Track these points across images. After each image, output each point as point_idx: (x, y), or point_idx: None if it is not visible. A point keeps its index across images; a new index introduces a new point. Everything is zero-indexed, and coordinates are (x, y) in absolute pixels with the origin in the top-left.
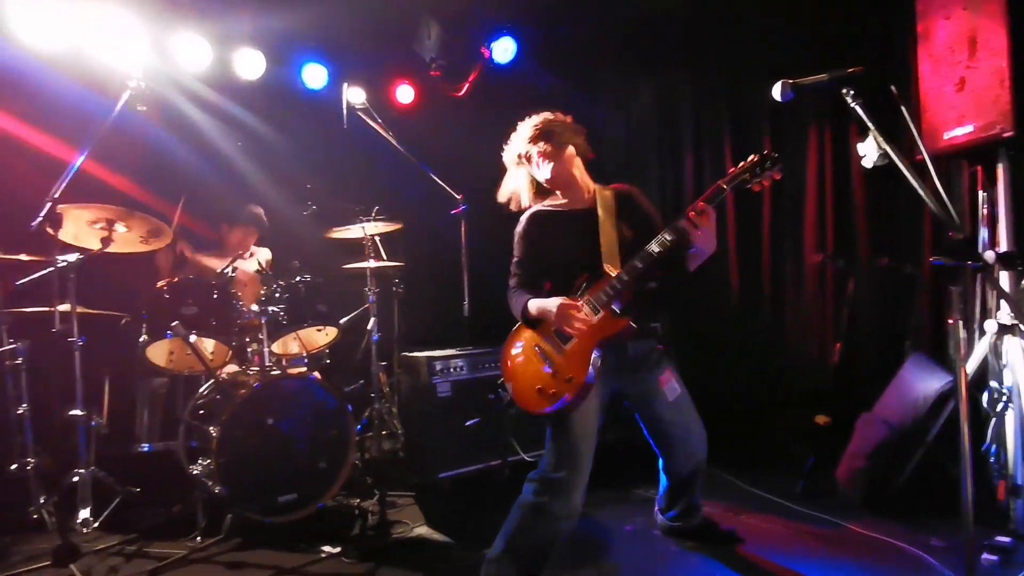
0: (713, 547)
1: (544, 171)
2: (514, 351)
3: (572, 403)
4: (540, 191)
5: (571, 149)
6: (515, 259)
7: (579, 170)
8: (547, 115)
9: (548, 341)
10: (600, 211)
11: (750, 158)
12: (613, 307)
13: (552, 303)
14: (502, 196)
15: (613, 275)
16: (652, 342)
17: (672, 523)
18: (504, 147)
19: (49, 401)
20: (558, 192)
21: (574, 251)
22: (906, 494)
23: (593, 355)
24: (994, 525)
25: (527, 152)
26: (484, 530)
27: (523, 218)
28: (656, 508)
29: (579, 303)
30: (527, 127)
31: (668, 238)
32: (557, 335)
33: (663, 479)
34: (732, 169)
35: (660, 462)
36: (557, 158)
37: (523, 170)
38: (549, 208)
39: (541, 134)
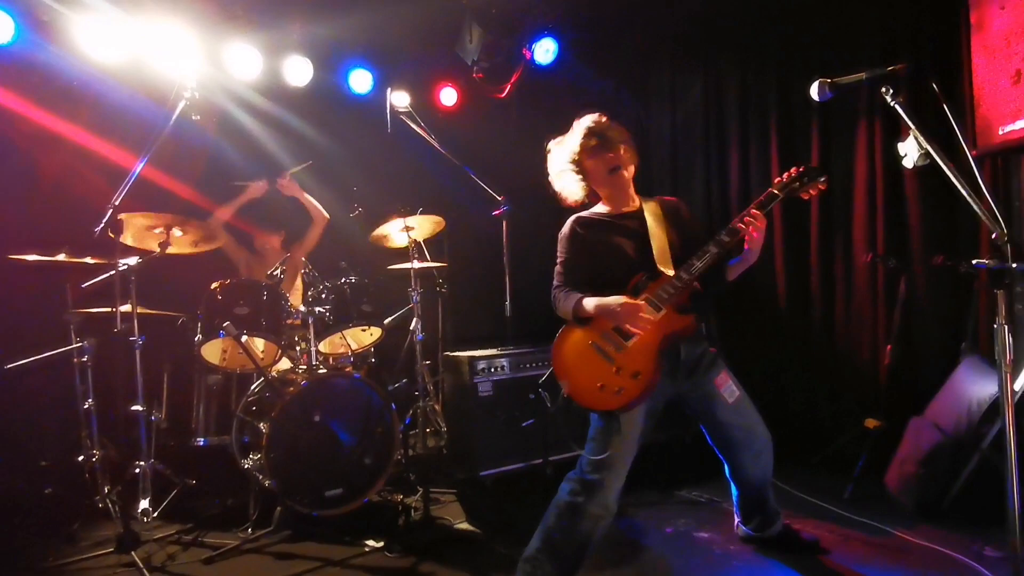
0: (794, 557)
1: (598, 174)
2: (567, 349)
3: (640, 399)
4: (590, 194)
5: (623, 154)
6: (560, 259)
7: (628, 176)
8: (599, 118)
9: (606, 339)
10: (648, 216)
11: (794, 169)
12: (675, 304)
13: (613, 301)
14: (568, 198)
15: (671, 273)
16: (704, 344)
17: (754, 533)
18: (552, 146)
19: (113, 397)
20: (604, 198)
21: (626, 251)
22: (960, 502)
23: (656, 351)
24: None
25: (579, 154)
26: (525, 527)
27: (570, 221)
28: (736, 520)
29: (640, 301)
30: (581, 129)
31: (725, 239)
32: (616, 332)
33: (733, 489)
34: (778, 178)
35: (727, 470)
36: (611, 161)
37: (573, 171)
38: (596, 214)
39: (594, 136)
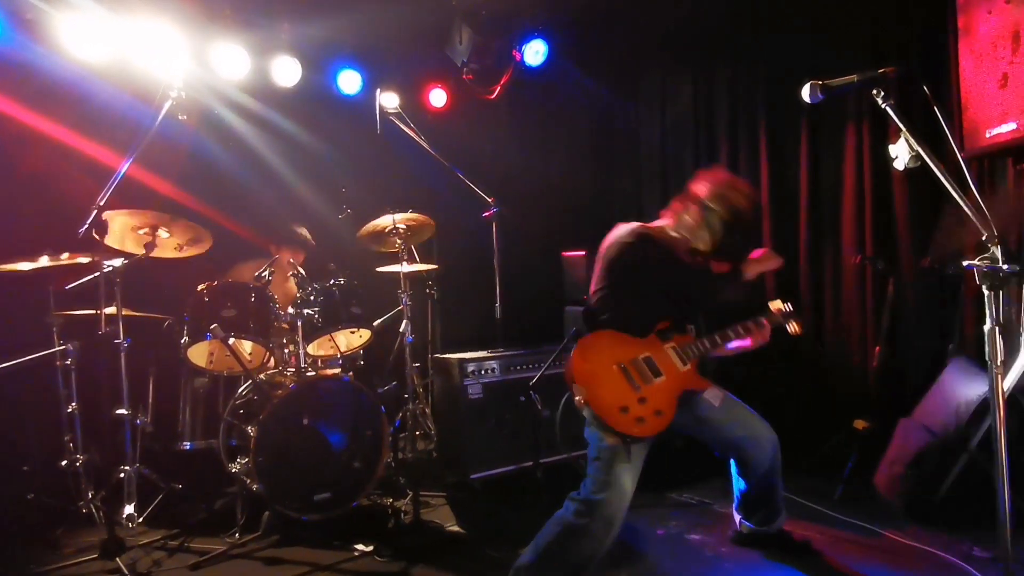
0: (785, 558)
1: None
2: (594, 360)
3: (654, 436)
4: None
5: None
6: (613, 268)
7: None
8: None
9: (636, 366)
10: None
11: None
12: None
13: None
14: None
15: (692, 337)
16: None
17: (757, 527)
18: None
19: (97, 400)
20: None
21: (679, 296)
22: (949, 502)
23: (677, 397)
24: None
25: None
26: (516, 531)
27: (640, 232)
28: (736, 516)
29: (666, 346)
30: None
31: (741, 332)
32: (647, 364)
33: (738, 484)
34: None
35: (734, 468)
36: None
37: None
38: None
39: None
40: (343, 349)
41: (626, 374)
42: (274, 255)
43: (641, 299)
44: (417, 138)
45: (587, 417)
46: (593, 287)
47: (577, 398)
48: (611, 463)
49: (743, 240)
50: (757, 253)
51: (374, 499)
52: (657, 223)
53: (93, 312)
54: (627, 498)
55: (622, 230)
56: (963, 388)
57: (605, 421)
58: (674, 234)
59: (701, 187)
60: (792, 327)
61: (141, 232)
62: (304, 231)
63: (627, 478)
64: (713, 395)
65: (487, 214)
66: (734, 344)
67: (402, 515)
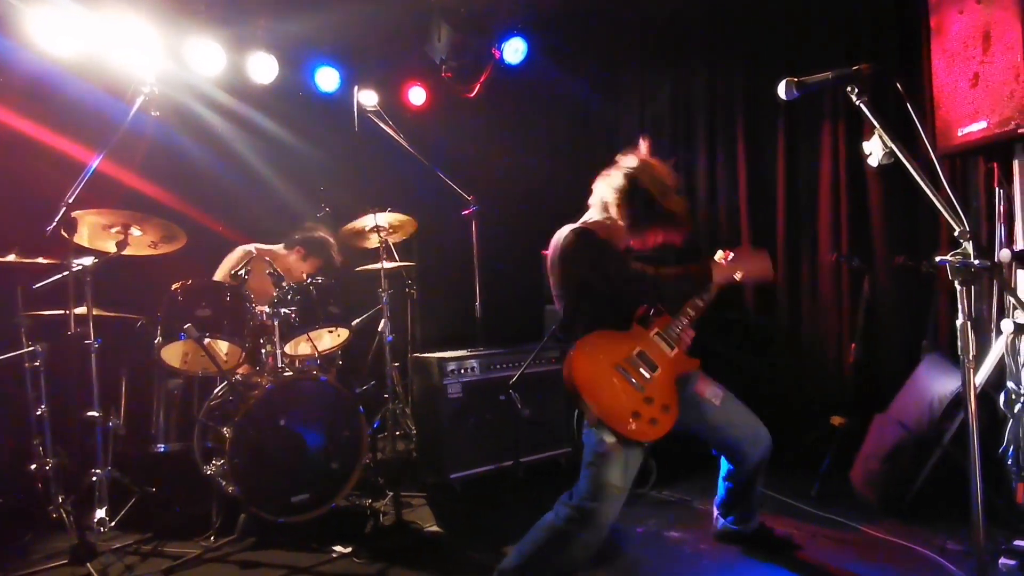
0: (764, 554)
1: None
2: (590, 367)
3: (666, 433)
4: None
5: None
6: (568, 275)
7: None
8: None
9: (632, 364)
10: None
11: None
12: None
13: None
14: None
15: (670, 318)
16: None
17: (733, 527)
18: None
19: (67, 402)
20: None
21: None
22: (923, 497)
23: (675, 388)
24: (1014, 528)
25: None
26: (496, 531)
27: (579, 232)
28: (715, 513)
29: (651, 334)
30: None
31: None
32: (642, 359)
33: (725, 484)
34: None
35: (727, 467)
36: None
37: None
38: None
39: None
40: (321, 349)
41: (625, 375)
42: (296, 258)
43: (609, 293)
44: (396, 136)
45: (597, 428)
46: (555, 293)
47: (589, 417)
48: (606, 470)
49: (663, 217)
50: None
51: (353, 500)
52: (589, 216)
53: (63, 312)
54: (619, 505)
55: (563, 233)
56: (936, 384)
57: (624, 435)
58: (608, 223)
59: (619, 160)
60: (738, 275)
61: (113, 230)
62: (332, 242)
63: (620, 486)
64: (713, 394)
65: (467, 212)
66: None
67: (381, 516)
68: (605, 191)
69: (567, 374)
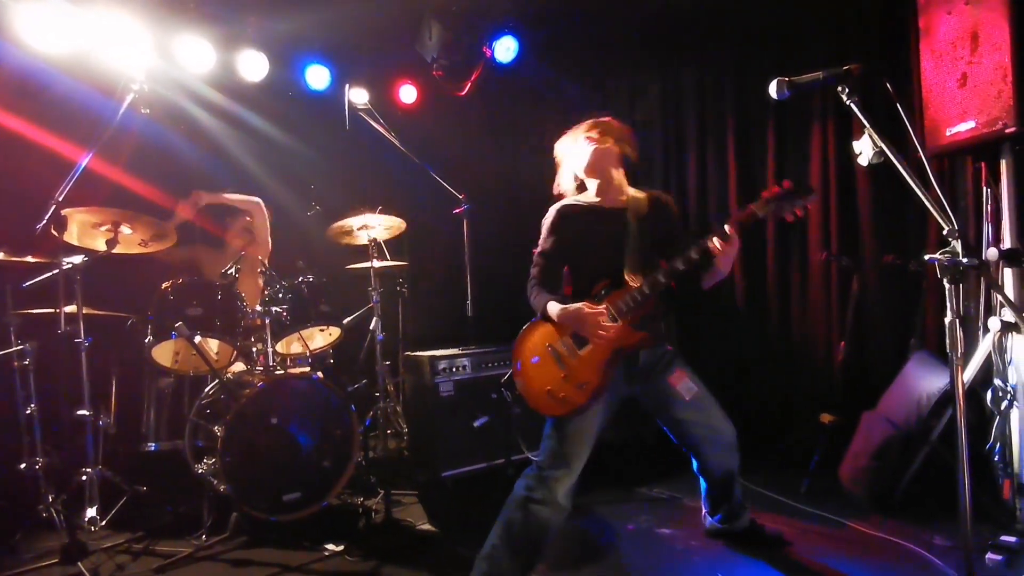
0: (754, 551)
1: (583, 156)
2: (527, 349)
3: (582, 408)
4: (580, 185)
5: (614, 145)
6: (539, 250)
7: (618, 171)
8: (606, 116)
9: (563, 343)
10: (631, 216)
11: (784, 184)
12: (633, 318)
13: (575, 309)
14: (556, 188)
15: (635, 286)
16: (662, 345)
17: (720, 526)
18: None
19: (57, 401)
20: (593, 188)
21: (599, 253)
22: (911, 493)
23: (605, 362)
24: (1000, 524)
25: (575, 139)
26: (488, 528)
27: (553, 209)
28: (703, 512)
29: (600, 308)
30: (586, 121)
31: (694, 256)
32: (574, 338)
33: (701, 481)
34: (765, 193)
35: (694, 464)
36: (599, 145)
37: (569, 158)
38: (581, 203)
39: (593, 124)
40: (312, 347)
41: (553, 354)
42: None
43: (571, 270)
44: (387, 134)
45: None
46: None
47: (516, 390)
48: (558, 440)
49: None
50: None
51: (344, 499)
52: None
53: (52, 311)
54: (575, 471)
55: (550, 210)
56: (924, 381)
57: (535, 406)
58: (596, 198)
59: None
60: (796, 211)
61: (103, 228)
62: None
63: (574, 453)
64: (686, 388)
65: (458, 210)
66: (715, 271)
67: (373, 514)
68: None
69: (513, 351)
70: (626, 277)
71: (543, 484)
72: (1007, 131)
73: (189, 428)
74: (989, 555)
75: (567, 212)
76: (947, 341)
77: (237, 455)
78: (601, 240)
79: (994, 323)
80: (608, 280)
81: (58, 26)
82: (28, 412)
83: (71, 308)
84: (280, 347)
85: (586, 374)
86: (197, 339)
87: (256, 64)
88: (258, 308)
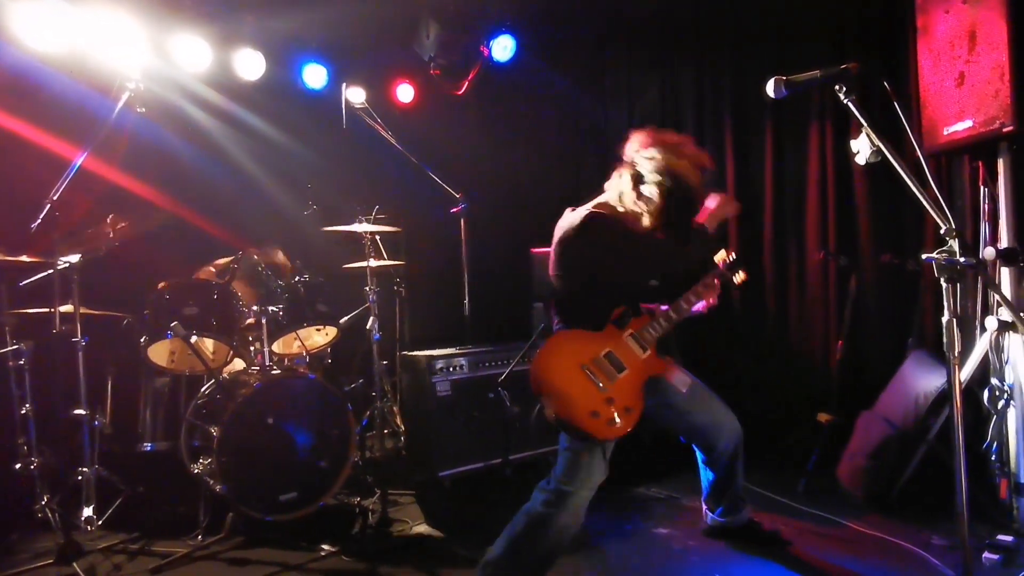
0: (752, 550)
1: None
2: (555, 366)
3: (627, 433)
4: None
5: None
6: (570, 262)
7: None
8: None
9: (599, 365)
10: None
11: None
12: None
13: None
14: (620, 198)
15: (655, 315)
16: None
17: (721, 520)
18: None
19: (53, 401)
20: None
21: (636, 272)
22: (908, 493)
23: (643, 387)
24: (997, 523)
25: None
26: (485, 528)
27: (590, 217)
28: (704, 508)
29: (624, 335)
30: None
31: (692, 298)
32: (609, 360)
33: (705, 474)
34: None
35: (699, 458)
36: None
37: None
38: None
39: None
40: (309, 347)
41: (590, 375)
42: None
43: (593, 288)
44: (384, 133)
45: (556, 425)
46: (551, 272)
47: (548, 412)
48: (581, 454)
49: (692, 213)
50: (713, 201)
51: (341, 498)
52: (604, 198)
53: (48, 310)
54: (595, 487)
55: (572, 216)
56: (922, 381)
57: (579, 429)
58: (622, 209)
59: (633, 147)
60: (738, 277)
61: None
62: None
63: (597, 469)
64: (681, 381)
65: (455, 210)
66: (695, 307)
67: (370, 514)
68: (620, 191)
69: (533, 371)
70: (640, 306)
71: (563, 500)
72: (1004, 130)
73: (185, 428)
74: (986, 554)
75: (619, 228)
76: (944, 340)
77: (233, 455)
78: (633, 266)
79: (991, 322)
80: (626, 307)
81: (54, 24)
82: (24, 412)
83: (67, 308)
84: (277, 347)
85: (630, 399)
86: (193, 338)
87: (253, 63)
88: (254, 308)
